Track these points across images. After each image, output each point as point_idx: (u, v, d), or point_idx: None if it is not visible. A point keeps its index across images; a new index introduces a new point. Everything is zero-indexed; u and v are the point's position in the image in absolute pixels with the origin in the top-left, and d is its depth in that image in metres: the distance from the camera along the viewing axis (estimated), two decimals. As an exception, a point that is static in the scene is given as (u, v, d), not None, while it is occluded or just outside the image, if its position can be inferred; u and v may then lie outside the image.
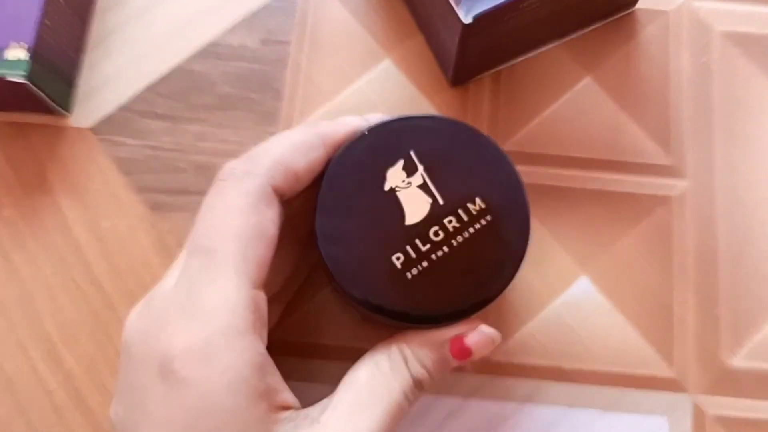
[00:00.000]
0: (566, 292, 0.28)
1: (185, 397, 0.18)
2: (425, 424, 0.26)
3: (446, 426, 0.26)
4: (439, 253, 0.20)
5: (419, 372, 0.20)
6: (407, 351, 0.21)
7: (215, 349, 0.18)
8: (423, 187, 0.21)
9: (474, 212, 0.21)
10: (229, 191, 0.20)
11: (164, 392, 0.18)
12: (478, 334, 0.21)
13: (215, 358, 0.18)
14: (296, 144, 0.20)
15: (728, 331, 0.27)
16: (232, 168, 0.20)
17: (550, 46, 0.31)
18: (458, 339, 0.21)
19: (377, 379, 0.20)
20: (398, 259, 0.20)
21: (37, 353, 0.27)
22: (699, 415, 0.26)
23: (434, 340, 0.21)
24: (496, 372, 0.27)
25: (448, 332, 0.21)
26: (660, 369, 0.27)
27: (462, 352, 0.21)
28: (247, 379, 0.18)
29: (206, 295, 0.18)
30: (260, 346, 0.19)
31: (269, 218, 0.19)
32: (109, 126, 0.30)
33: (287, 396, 0.19)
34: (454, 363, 0.21)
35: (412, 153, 0.21)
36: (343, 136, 0.21)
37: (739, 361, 0.27)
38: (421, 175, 0.21)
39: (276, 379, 0.19)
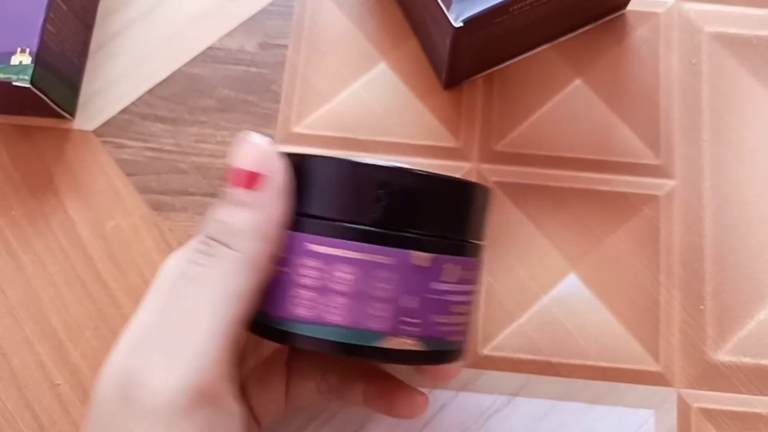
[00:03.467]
0: (556, 289, 0.28)
1: None
2: (418, 417, 0.27)
3: (439, 418, 0.27)
4: None
5: (208, 228, 0.19)
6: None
7: None
8: None
9: None
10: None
11: None
12: (245, 145, 0.19)
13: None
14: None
15: (713, 327, 0.28)
16: None
17: (542, 48, 0.31)
18: (229, 168, 0.19)
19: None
20: None
21: (44, 349, 0.28)
22: (684, 408, 0.27)
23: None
24: (487, 366, 0.27)
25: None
26: (646, 363, 0.27)
27: (237, 174, 0.19)
28: None
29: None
30: None
31: None
32: (111, 128, 0.31)
33: None
34: (246, 197, 0.19)
35: None
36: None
37: (724, 355, 0.27)
38: None
39: None
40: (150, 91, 0.31)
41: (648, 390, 0.27)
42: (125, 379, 0.18)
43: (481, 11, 0.26)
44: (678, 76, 0.31)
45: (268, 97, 0.31)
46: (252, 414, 0.23)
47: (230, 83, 0.31)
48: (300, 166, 0.20)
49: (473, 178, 0.30)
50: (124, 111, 0.31)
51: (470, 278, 0.20)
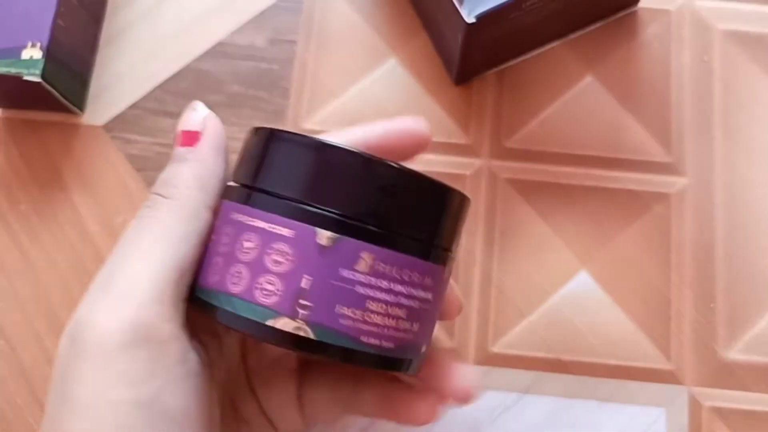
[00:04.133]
0: (566, 286, 0.28)
1: None
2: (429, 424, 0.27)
3: (449, 415, 0.27)
4: None
5: (153, 186, 0.20)
6: None
7: None
8: None
9: None
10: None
11: None
12: (188, 112, 0.21)
13: None
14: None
15: (724, 325, 0.28)
16: None
17: (553, 44, 0.31)
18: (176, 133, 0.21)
19: None
20: None
21: (53, 344, 0.28)
22: (695, 407, 0.27)
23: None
24: (497, 363, 0.27)
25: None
26: (657, 361, 0.27)
27: (180, 136, 0.20)
28: None
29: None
30: None
31: None
32: (120, 124, 0.31)
33: None
34: (185, 153, 0.20)
35: None
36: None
37: (735, 354, 0.27)
38: None
39: None
40: (159, 87, 0.31)
41: (659, 388, 0.27)
42: (75, 325, 0.18)
43: (494, 7, 0.26)
44: (689, 74, 0.31)
45: (278, 93, 0.31)
46: (266, 418, 0.23)
47: (240, 79, 0.31)
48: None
49: (484, 175, 0.30)
50: (133, 106, 0.31)
51: (409, 280, 0.18)
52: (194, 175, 0.20)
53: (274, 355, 0.24)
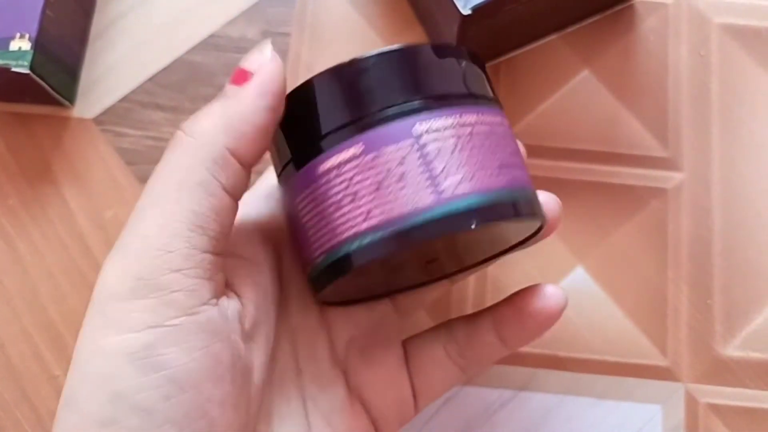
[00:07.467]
0: (563, 282, 0.28)
1: None
2: (422, 411, 0.26)
3: (443, 412, 0.27)
4: None
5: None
6: None
7: None
8: None
9: None
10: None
11: None
12: (253, 51, 0.19)
13: None
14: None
15: (721, 322, 0.27)
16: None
17: (550, 38, 0.31)
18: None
19: None
20: None
21: (42, 340, 0.28)
22: (692, 404, 0.27)
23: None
24: (492, 360, 0.27)
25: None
26: (654, 358, 0.27)
27: (237, 74, 0.19)
28: None
29: None
30: None
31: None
32: (111, 117, 0.30)
33: None
34: (228, 90, 0.19)
35: None
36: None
37: (732, 350, 0.27)
38: None
39: None
40: (150, 79, 0.31)
41: (655, 385, 0.27)
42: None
43: (490, -2, 0.25)
44: (687, 68, 0.30)
45: (271, 86, 0.30)
46: (363, 395, 0.22)
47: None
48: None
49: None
50: (124, 99, 0.30)
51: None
52: (224, 115, 0.18)
53: (366, 323, 0.22)
